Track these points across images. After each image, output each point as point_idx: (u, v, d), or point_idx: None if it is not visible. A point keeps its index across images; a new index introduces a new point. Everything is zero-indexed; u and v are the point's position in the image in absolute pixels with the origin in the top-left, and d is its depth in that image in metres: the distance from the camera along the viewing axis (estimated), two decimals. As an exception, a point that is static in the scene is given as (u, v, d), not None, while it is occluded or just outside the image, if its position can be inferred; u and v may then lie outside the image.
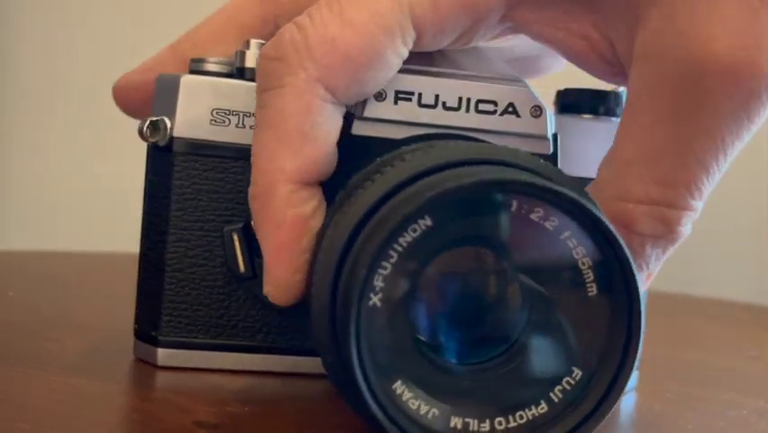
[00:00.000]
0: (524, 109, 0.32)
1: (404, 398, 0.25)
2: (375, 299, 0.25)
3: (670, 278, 0.60)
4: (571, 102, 0.38)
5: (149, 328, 0.35)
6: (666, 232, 0.29)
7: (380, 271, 0.24)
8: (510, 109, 0.32)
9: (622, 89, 0.38)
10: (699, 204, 0.29)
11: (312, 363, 0.35)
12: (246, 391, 0.33)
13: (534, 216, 0.25)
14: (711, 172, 0.29)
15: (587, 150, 0.36)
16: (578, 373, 0.26)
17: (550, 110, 0.33)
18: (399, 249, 0.25)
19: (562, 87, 0.39)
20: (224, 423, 0.29)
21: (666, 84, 0.28)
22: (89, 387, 0.32)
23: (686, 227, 0.30)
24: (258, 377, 0.35)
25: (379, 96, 0.32)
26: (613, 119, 0.37)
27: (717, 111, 0.28)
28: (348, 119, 0.32)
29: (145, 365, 0.35)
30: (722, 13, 0.27)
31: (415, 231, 0.25)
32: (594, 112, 0.37)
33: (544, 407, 0.26)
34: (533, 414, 0.26)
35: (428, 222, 0.25)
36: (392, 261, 0.25)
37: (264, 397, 0.33)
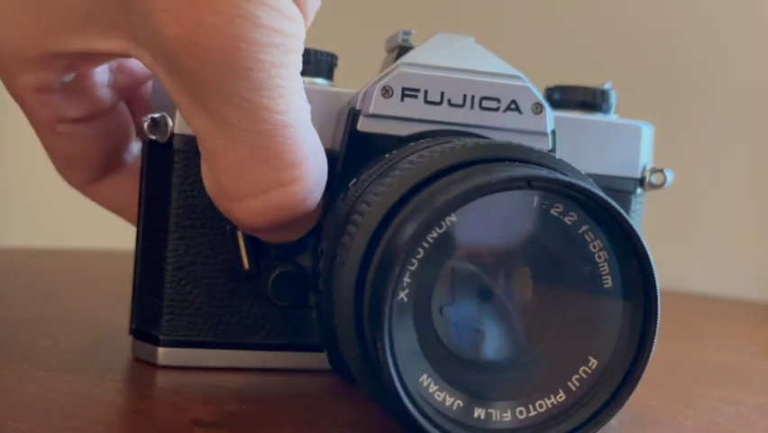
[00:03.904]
0: (525, 106, 0.33)
1: (430, 390, 0.26)
2: (402, 295, 0.25)
3: (668, 275, 0.61)
4: (560, 98, 0.39)
5: (149, 327, 0.35)
6: (274, 219, 0.29)
7: (409, 267, 0.25)
8: (513, 106, 0.33)
9: (608, 85, 0.39)
10: (286, 174, 0.29)
11: (314, 359, 0.35)
12: (244, 389, 0.33)
13: (554, 212, 0.26)
14: (243, 138, 0.28)
15: (577, 145, 0.36)
16: (594, 362, 0.27)
17: (549, 107, 0.34)
18: (426, 245, 0.25)
19: (552, 84, 0.40)
20: (221, 421, 0.29)
21: (172, 76, 0.29)
22: (85, 385, 0.31)
23: (297, 208, 0.29)
24: (256, 375, 0.35)
25: (386, 93, 0.32)
26: (601, 115, 0.38)
27: (207, 86, 0.28)
28: (354, 115, 0.33)
29: (142, 364, 0.35)
30: (165, 4, 0.27)
31: (441, 227, 0.25)
32: (583, 108, 0.38)
33: (562, 396, 0.27)
34: (552, 403, 0.27)
35: (453, 218, 0.25)
36: (419, 257, 0.25)
37: (262, 395, 0.33)
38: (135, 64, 0.36)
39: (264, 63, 0.27)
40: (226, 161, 0.29)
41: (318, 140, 0.30)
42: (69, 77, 0.33)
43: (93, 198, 0.38)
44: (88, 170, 0.36)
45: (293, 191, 0.29)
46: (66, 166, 0.36)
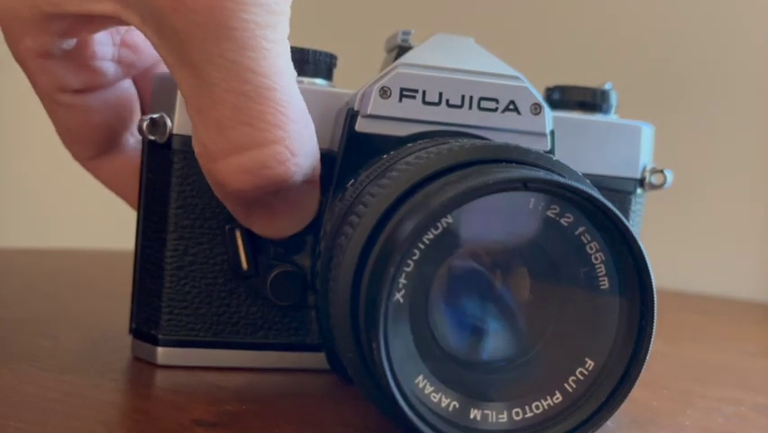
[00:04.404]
0: (524, 107, 0.33)
1: (426, 391, 0.26)
2: (398, 296, 0.25)
3: (669, 275, 0.61)
4: (560, 99, 0.39)
5: (148, 327, 0.35)
6: (257, 180, 0.29)
7: (405, 268, 0.25)
8: (511, 107, 0.33)
9: (608, 86, 0.39)
10: (268, 134, 0.29)
11: (314, 359, 0.35)
12: (244, 389, 0.33)
13: (550, 213, 0.26)
14: (236, 102, 0.28)
15: (577, 146, 0.37)
16: (590, 363, 0.27)
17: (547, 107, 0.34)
18: (422, 246, 0.25)
19: (551, 84, 0.40)
20: (222, 421, 0.29)
21: (159, 35, 0.29)
22: (85, 385, 0.32)
23: (279, 169, 0.29)
24: (256, 374, 0.35)
25: (384, 94, 0.32)
26: (601, 115, 0.38)
27: (193, 45, 0.28)
28: (352, 116, 0.33)
29: (142, 363, 0.35)
30: None
31: (437, 228, 0.25)
32: (583, 108, 0.38)
33: (559, 397, 0.27)
34: (548, 404, 0.27)
35: (449, 219, 0.25)
36: (415, 258, 0.25)
37: (262, 394, 0.33)
38: (140, 40, 0.36)
39: (249, 23, 0.28)
40: (210, 120, 0.29)
41: (304, 107, 0.30)
42: (69, 43, 0.33)
43: (95, 175, 0.38)
44: (90, 145, 0.36)
45: (275, 151, 0.29)
46: (69, 139, 0.36)
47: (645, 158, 0.38)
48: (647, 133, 0.38)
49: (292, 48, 0.34)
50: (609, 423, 0.27)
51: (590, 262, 0.27)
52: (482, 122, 0.33)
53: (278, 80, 0.28)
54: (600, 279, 0.27)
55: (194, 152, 0.34)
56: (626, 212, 0.38)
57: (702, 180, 0.71)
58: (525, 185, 0.25)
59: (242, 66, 0.28)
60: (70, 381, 0.32)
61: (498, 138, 0.33)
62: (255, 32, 0.28)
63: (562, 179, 0.26)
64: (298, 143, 0.29)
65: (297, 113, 0.29)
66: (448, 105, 0.33)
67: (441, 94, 0.33)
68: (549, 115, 0.34)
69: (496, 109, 0.33)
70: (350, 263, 0.26)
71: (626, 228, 0.26)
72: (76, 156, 0.37)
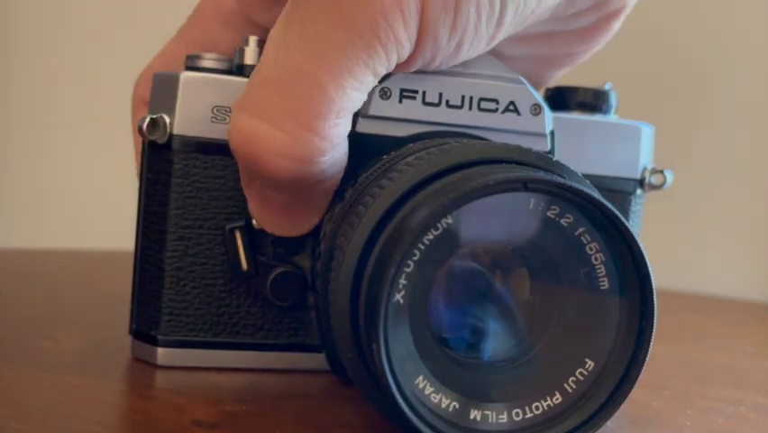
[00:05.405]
0: (524, 107, 0.33)
1: (426, 392, 0.26)
2: (398, 297, 0.25)
3: (669, 275, 0.61)
4: (560, 99, 0.39)
5: (148, 328, 0.35)
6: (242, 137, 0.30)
7: (405, 269, 0.25)
8: (511, 107, 0.33)
9: (608, 86, 0.39)
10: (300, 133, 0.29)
11: (313, 359, 0.35)
12: (244, 390, 0.33)
13: (550, 214, 0.26)
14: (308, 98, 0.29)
15: (577, 146, 0.37)
16: (590, 364, 0.27)
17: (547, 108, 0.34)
18: (422, 247, 0.25)
19: (551, 85, 0.40)
20: (221, 422, 0.29)
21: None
22: (85, 385, 0.32)
23: (275, 161, 0.30)
24: (256, 375, 0.35)
25: (385, 95, 0.32)
26: (601, 116, 0.38)
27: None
28: (353, 117, 0.33)
29: (142, 364, 0.35)
30: None
31: (437, 229, 0.25)
32: (583, 109, 0.38)
33: (558, 398, 0.27)
34: (548, 405, 0.27)
35: (449, 220, 0.25)
36: (415, 259, 0.25)
37: (262, 395, 0.33)
38: None
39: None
40: (268, 78, 0.30)
41: (341, 151, 0.31)
42: None
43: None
44: None
45: (291, 127, 0.29)
46: None
47: (645, 158, 0.38)
48: (647, 134, 0.38)
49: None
50: (609, 423, 0.27)
51: (590, 262, 0.27)
52: (482, 122, 0.33)
53: (327, 107, 0.29)
54: (600, 279, 0.27)
55: (194, 151, 0.34)
56: (625, 212, 0.38)
57: (702, 180, 0.71)
58: (525, 185, 0.25)
59: (313, 60, 0.29)
60: (70, 381, 0.32)
61: (498, 139, 0.33)
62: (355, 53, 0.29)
63: (561, 180, 0.26)
64: (310, 145, 0.29)
65: (329, 140, 0.30)
66: (448, 105, 0.33)
67: (441, 94, 0.33)
68: (549, 115, 0.34)
69: (496, 110, 0.33)
70: (350, 264, 0.26)
71: (626, 229, 0.26)
72: None
